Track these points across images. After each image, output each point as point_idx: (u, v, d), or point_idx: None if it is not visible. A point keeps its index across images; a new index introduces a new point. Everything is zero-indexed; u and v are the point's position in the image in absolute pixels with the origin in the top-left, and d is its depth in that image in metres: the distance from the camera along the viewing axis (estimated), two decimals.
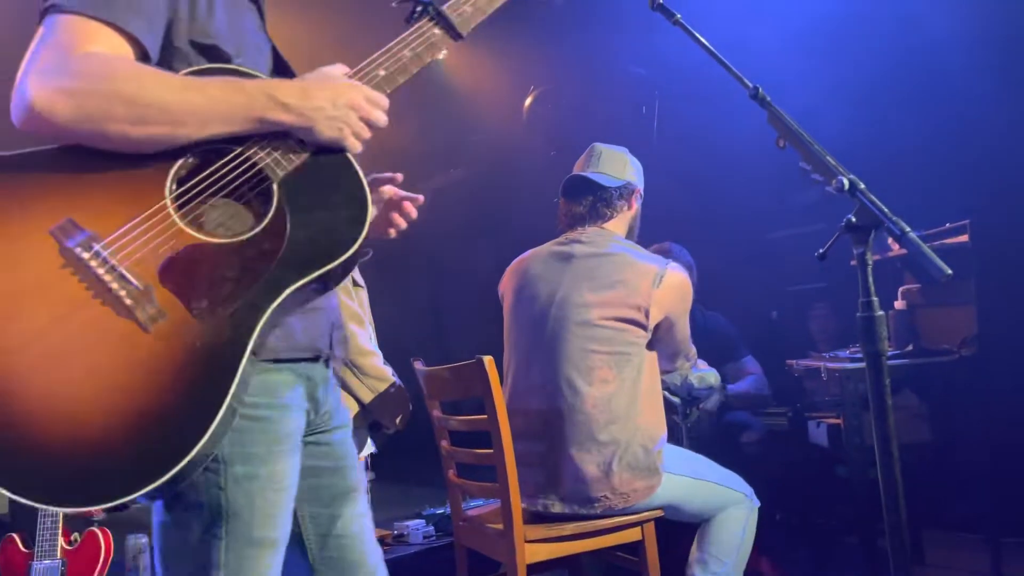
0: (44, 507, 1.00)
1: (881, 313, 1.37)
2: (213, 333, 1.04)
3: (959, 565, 3.28)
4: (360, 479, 1.51)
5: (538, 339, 2.40)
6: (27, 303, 1.00)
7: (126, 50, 1.17)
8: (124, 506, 1.04)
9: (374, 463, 3.10)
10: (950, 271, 1.28)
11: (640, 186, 2.59)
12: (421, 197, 1.59)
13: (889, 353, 1.38)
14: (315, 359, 1.35)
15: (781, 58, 4.14)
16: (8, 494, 0.99)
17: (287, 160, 1.18)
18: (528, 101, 4.83)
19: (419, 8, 1.33)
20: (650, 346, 2.41)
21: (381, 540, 3.02)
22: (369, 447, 3.05)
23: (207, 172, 1.13)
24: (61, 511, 0.97)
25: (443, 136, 5.13)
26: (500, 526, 2.24)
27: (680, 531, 2.53)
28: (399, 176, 1.54)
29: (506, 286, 2.63)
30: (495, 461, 2.22)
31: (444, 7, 1.34)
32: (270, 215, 1.14)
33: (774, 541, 3.51)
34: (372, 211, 1.19)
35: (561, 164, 2.94)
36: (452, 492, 2.59)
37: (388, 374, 2.99)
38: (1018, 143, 3.35)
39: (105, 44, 1.14)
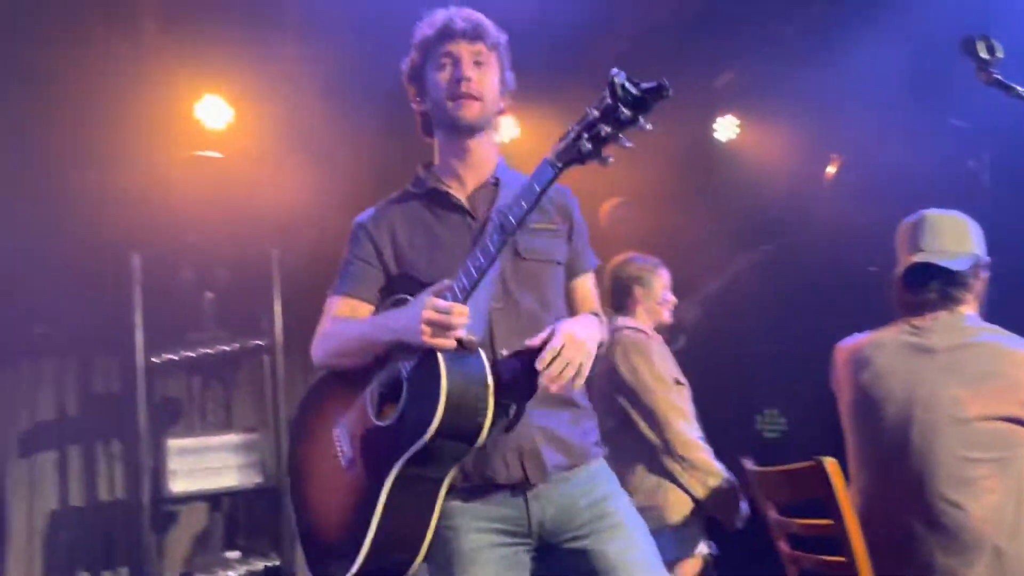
0: None
1: None
2: (370, 481, 1.75)
3: None
4: None
5: (899, 445, 2.18)
6: (319, 456, 1.92)
7: (352, 305, 1.95)
8: None
9: (717, 563, 3.00)
10: None
11: (985, 256, 2.34)
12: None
13: None
14: (499, 487, 1.80)
15: None
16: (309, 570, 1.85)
17: (408, 362, 1.75)
18: (832, 169, 4.61)
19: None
20: None
21: None
22: (704, 547, 2.96)
23: (378, 380, 1.84)
24: None
25: (737, 215, 5.02)
26: None
27: None
28: (532, 342, 1.73)
29: (842, 378, 2.42)
30: (847, 571, 2.09)
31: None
32: (400, 404, 1.75)
33: None
34: (444, 402, 1.63)
35: (876, 230, 2.74)
36: None
37: (718, 468, 2.92)
38: None
39: (342, 308, 1.96)
